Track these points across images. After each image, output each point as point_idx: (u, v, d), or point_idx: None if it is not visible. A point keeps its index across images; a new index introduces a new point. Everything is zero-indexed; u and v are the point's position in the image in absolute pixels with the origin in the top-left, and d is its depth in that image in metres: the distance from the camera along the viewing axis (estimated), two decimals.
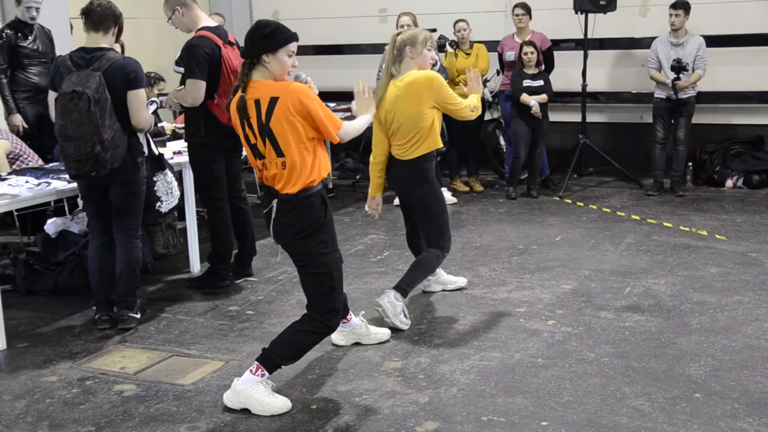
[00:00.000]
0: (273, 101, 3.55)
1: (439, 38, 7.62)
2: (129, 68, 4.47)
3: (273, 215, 3.71)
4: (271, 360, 3.73)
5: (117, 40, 4.60)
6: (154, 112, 4.69)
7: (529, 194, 8.17)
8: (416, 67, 4.65)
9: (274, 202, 3.69)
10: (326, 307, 3.75)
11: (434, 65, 4.81)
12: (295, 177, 3.61)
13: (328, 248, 3.73)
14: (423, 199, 4.76)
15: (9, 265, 5.70)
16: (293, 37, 3.66)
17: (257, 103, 3.58)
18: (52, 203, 6.06)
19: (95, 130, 4.26)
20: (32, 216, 6.28)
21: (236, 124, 3.70)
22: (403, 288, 4.73)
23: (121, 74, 4.42)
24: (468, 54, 8.36)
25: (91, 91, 4.26)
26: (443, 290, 5.28)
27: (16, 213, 6.14)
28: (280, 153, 3.60)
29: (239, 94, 3.64)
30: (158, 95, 4.72)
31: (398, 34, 4.70)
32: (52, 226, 5.67)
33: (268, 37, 3.59)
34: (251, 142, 3.66)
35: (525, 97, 7.93)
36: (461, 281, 5.37)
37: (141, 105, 4.51)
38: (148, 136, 4.72)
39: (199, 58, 5.01)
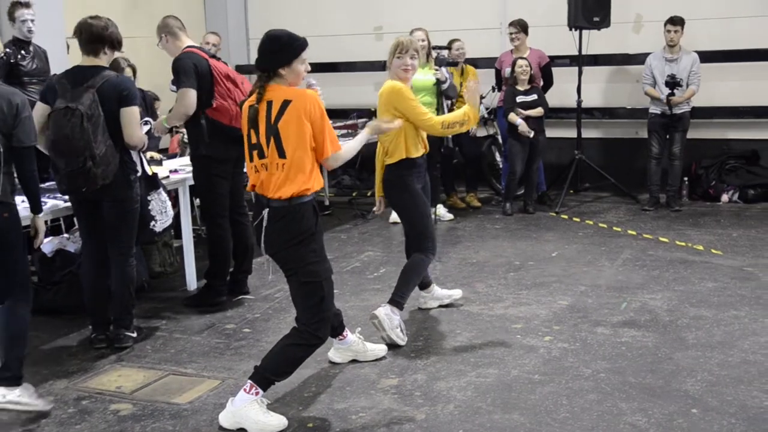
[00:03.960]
0: (286, 103, 3.63)
1: (439, 56, 7.65)
2: (122, 86, 4.50)
3: (264, 224, 3.73)
4: (264, 377, 3.73)
5: (119, 50, 4.62)
6: (148, 132, 4.71)
7: (526, 210, 8.18)
8: (394, 77, 4.71)
9: (265, 212, 3.71)
10: (315, 317, 3.75)
11: (407, 71, 4.70)
12: (291, 179, 3.64)
13: (318, 257, 3.75)
14: (401, 204, 4.82)
15: None
16: (304, 45, 3.75)
17: (269, 104, 3.66)
18: (49, 222, 6.05)
19: (87, 145, 4.29)
20: (27, 235, 6.26)
21: (243, 124, 3.77)
22: (396, 300, 4.74)
23: (115, 92, 4.44)
24: (460, 75, 8.37)
25: (84, 107, 4.30)
26: (440, 306, 5.28)
27: None
28: (282, 154, 3.65)
29: (253, 101, 3.71)
30: (145, 121, 4.73)
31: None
32: (48, 245, 5.66)
33: (282, 51, 3.69)
34: (252, 141, 3.72)
35: (512, 117, 8.02)
36: (456, 293, 5.37)
37: (134, 122, 4.52)
38: (142, 156, 4.74)
39: (186, 68, 5.13)
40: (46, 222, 5.76)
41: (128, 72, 6.60)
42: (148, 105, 7.18)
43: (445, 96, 7.59)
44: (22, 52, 6.43)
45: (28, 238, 4.20)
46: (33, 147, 4.01)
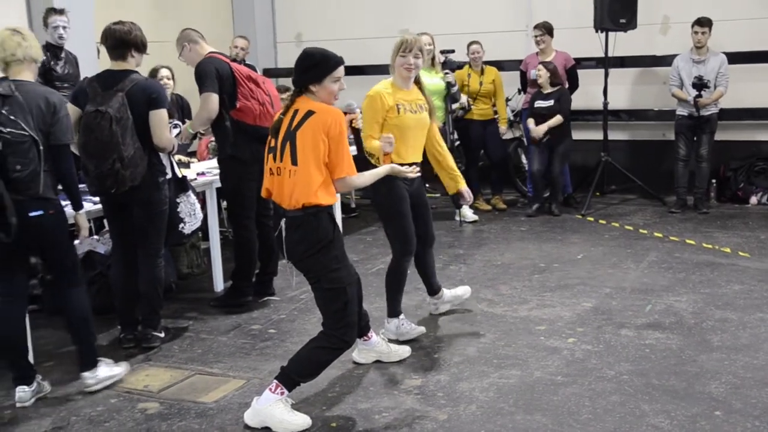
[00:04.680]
0: (309, 114, 3.69)
1: (447, 59, 7.70)
2: (151, 89, 4.59)
3: (283, 234, 3.78)
4: (289, 378, 3.78)
5: (145, 52, 4.69)
6: (177, 135, 4.78)
7: (551, 212, 8.17)
8: (397, 76, 4.70)
9: (283, 222, 3.76)
10: (341, 322, 3.79)
11: (410, 69, 4.64)
12: (301, 188, 3.68)
13: (339, 264, 3.79)
14: (384, 206, 4.72)
15: (37, 285, 5.79)
16: (338, 63, 3.80)
17: (295, 113, 3.73)
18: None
19: (116, 147, 4.38)
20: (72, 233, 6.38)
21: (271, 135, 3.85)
22: (389, 310, 4.84)
23: (144, 95, 4.53)
24: (480, 75, 8.38)
25: (113, 111, 4.39)
26: (452, 308, 5.26)
27: None
28: (294, 161, 3.69)
29: (281, 113, 3.80)
30: (175, 125, 4.80)
31: None
32: (78, 246, 5.75)
33: (314, 68, 3.75)
34: (271, 145, 3.80)
35: (529, 121, 8.22)
36: (461, 290, 5.30)
37: (162, 125, 4.60)
38: (172, 159, 4.81)
39: (208, 72, 5.21)
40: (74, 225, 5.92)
41: (165, 72, 6.71)
42: (186, 110, 7.29)
43: (452, 99, 7.63)
44: (55, 57, 6.56)
45: (72, 235, 4.33)
46: (69, 145, 4.15)
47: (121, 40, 4.58)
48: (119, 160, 4.39)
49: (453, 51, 8.01)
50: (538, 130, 8.06)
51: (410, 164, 4.50)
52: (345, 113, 4.14)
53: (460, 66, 8.09)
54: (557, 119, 8.04)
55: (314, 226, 3.72)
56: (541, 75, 8.09)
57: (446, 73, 7.51)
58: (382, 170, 4.13)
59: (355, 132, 4.20)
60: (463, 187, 5.01)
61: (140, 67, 4.76)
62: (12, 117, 3.88)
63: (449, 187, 5.06)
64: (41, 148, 3.96)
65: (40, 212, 3.98)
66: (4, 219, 3.81)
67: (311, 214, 3.70)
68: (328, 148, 3.68)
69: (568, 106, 8.18)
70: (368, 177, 4.03)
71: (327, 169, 3.72)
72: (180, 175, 4.91)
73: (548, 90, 8.12)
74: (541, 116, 8.13)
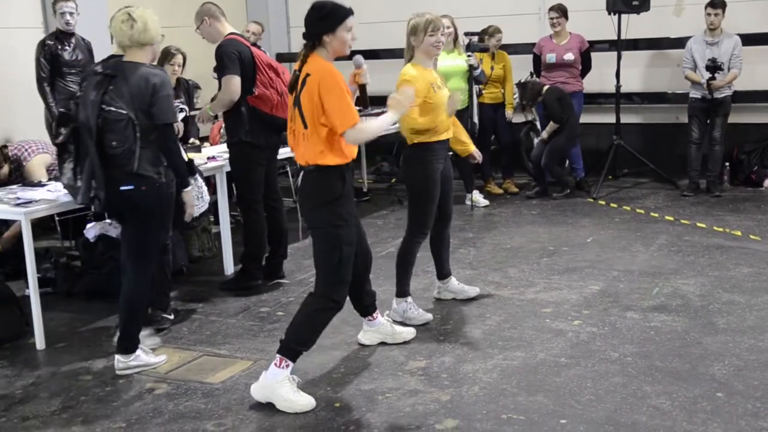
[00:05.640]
0: (307, 77, 3.75)
1: (471, 41, 7.66)
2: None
3: (299, 188, 3.93)
4: (289, 348, 3.84)
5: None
6: (184, 119, 4.80)
7: (551, 196, 8.23)
8: (423, 55, 4.70)
9: (300, 175, 3.90)
10: (331, 279, 3.86)
11: (439, 47, 4.73)
12: (312, 149, 3.77)
13: (341, 222, 3.85)
14: (415, 185, 4.78)
15: (50, 268, 5.89)
16: (349, 13, 3.83)
17: (305, 75, 3.77)
18: (93, 208, 6.23)
19: None
20: (73, 221, 6.47)
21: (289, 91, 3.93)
22: (398, 291, 4.87)
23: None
24: (492, 60, 8.36)
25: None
26: (454, 299, 5.24)
27: (57, 218, 6.33)
28: (305, 124, 3.78)
29: (297, 66, 3.85)
30: (180, 109, 4.80)
31: (409, 22, 4.72)
32: (91, 230, 5.83)
33: (325, 18, 3.78)
34: (291, 105, 3.88)
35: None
36: (472, 291, 5.26)
37: None
38: (178, 142, 4.84)
39: (230, 54, 5.22)
40: (89, 208, 5.98)
41: (178, 59, 6.75)
42: (190, 94, 7.32)
43: (475, 81, 7.60)
44: (63, 43, 6.62)
45: (178, 213, 4.45)
46: (171, 125, 4.28)
47: None
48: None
49: (477, 33, 8.01)
50: (543, 136, 8.25)
51: (444, 141, 4.74)
52: (356, 67, 4.15)
53: (484, 49, 8.04)
54: (551, 126, 8.12)
55: (322, 182, 3.81)
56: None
57: (469, 56, 7.49)
58: (389, 117, 3.96)
59: (361, 87, 4.21)
60: (473, 148, 5.24)
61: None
62: (115, 96, 4.09)
63: (461, 152, 5.26)
64: (138, 127, 4.09)
65: (131, 186, 4.14)
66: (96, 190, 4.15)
67: (322, 171, 3.79)
68: (321, 105, 3.70)
69: (554, 109, 8.08)
70: (376, 126, 3.91)
71: (326, 128, 3.74)
72: (186, 159, 4.94)
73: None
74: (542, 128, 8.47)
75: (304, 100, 3.74)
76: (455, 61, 7.39)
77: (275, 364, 3.83)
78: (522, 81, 8.53)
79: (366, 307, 4.41)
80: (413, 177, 4.78)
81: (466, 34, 7.73)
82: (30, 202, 4.75)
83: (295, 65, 3.90)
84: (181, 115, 4.78)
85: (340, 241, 3.83)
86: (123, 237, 4.40)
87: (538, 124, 8.84)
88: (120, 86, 4.10)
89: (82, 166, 4.23)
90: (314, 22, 3.80)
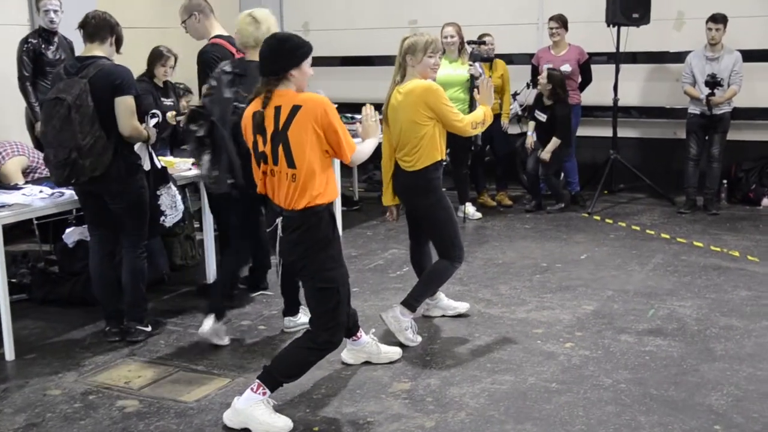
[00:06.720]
0: (295, 109, 3.51)
1: (474, 51, 7.49)
2: (115, 75, 4.40)
3: (279, 233, 3.64)
4: (272, 378, 3.64)
5: (118, 51, 4.57)
6: (156, 125, 4.63)
7: (545, 210, 8.06)
8: (418, 75, 4.54)
9: (279, 220, 3.62)
10: (331, 323, 3.66)
11: (435, 70, 4.63)
12: (303, 191, 3.54)
13: (335, 263, 3.66)
14: (429, 210, 4.63)
15: (27, 273, 5.69)
16: (311, 48, 3.67)
17: (277, 110, 3.54)
18: (74, 212, 6.04)
19: (73, 136, 4.24)
20: (53, 225, 6.27)
21: (247, 132, 3.67)
22: (410, 302, 4.64)
23: (107, 81, 4.35)
24: (489, 69, 8.17)
25: (71, 98, 4.24)
26: (443, 315, 5.07)
27: (36, 222, 6.14)
28: (291, 164, 3.53)
29: (257, 106, 3.59)
30: (152, 114, 4.63)
31: (404, 40, 4.59)
32: (70, 235, 5.64)
33: (293, 52, 3.60)
34: (259, 149, 3.61)
35: (530, 129, 8.20)
36: (462, 307, 5.11)
37: (126, 112, 4.40)
38: (151, 149, 4.65)
39: (210, 62, 5.01)
40: (71, 212, 5.80)
41: (171, 62, 6.57)
42: (177, 97, 7.11)
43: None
44: (47, 42, 6.44)
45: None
46: None
47: (107, 24, 4.48)
48: (76, 149, 4.24)
49: (483, 43, 7.83)
50: (543, 156, 7.93)
51: (442, 161, 4.62)
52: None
53: (486, 59, 7.84)
54: (554, 143, 7.88)
55: (314, 226, 3.58)
56: (541, 84, 7.94)
57: (470, 65, 7.31)
58: (372, 142, 3.90)
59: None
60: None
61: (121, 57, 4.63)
62: (245, 94, 4.16)
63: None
64: None
65: None
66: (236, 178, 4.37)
67: (312, 215, 3.56)
68: (324, 137, 3.54)
69: (564, 125, 7.90)
70: (368, 146, 3.87)
71: (329, 157, 3.59)
72: (159, 166, 4.76)
73: (547, 102, 7.97)
74: (540, 124, 8.05)
75: (294, 135, 3.51)
76: (456, 71, 7.23)
77: (252, 389, 3.63)
78: (548, 70, 8.14)
79: (349, 329, 4.20)
80: (429, 204, 4.61)
81: (469, 42, 7.56)
82: (2, 206, 4.55)
83: (254, 104, 3.64)
84: (152, 121, 4.57)
85: (336, 284, 3.64)
86: (234, 219, 4.77)
87: (534, 136, 8.64)
88: (249, 85, 4.15)
89: (218, 158, 4.36)
90: (282, 55, 3.58)
